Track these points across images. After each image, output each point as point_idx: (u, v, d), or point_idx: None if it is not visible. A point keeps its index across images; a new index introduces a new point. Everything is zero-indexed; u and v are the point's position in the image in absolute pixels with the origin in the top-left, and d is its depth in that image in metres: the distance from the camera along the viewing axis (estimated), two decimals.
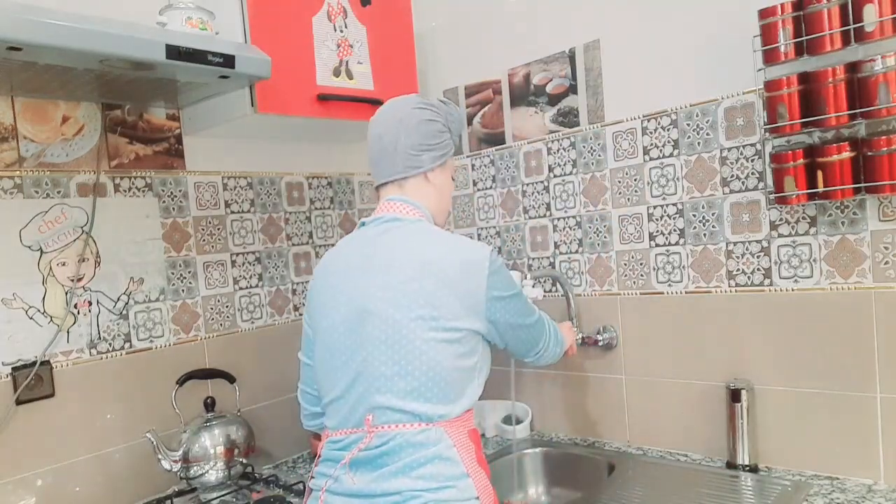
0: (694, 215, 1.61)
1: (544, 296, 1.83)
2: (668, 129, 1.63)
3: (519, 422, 1.93)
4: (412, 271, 1.13)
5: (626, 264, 1.74)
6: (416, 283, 1.12)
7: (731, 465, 1.54)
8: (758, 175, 1.50)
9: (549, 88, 1.86)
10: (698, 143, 1.59)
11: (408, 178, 1.23)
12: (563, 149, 1.83)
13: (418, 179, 1.24)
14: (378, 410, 1.11)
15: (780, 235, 1.49)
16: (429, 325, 1.10)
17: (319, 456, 1.21)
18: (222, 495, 1.62)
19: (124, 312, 1.63)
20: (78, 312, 1.55)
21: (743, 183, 1.53)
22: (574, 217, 1.83)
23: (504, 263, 1.20)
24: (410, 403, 1.10)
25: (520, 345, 1.27)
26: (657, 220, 1.67)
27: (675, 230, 1.64)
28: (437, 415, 1.11)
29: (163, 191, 1.71)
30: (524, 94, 1.91)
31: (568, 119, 1.82)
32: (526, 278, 1.71)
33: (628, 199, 1.72)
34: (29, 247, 1.48)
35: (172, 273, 1.72)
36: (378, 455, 1.10)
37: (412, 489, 1.06)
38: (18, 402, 1.44)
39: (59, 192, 1.52)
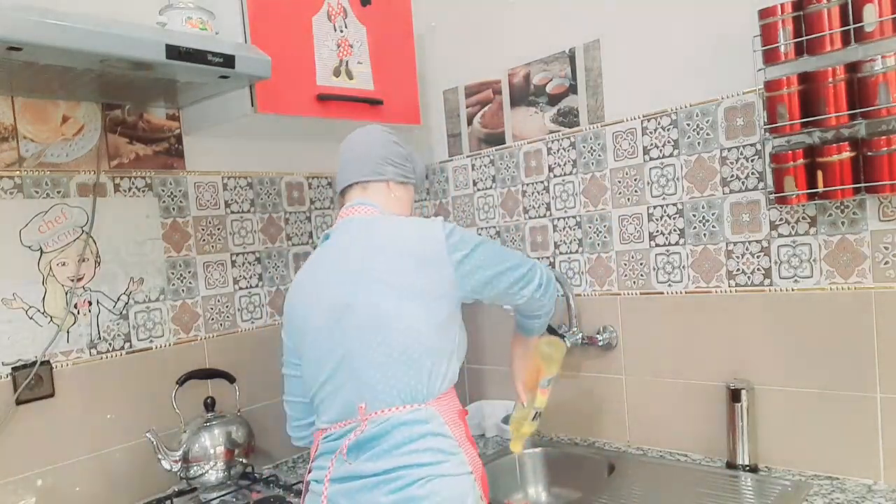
0: (694, 215, 1.61)
1: None
2: (668, 129, 1.63)
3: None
4: (377, 259, 1.18)
5: (626, 264, 1.74)
6: (382, 270, 1.17)
7: (731, 465, 1.54)
8: (758, 175, 1.50)
9: (549, 88, 1.86)
10: (698, 143, 1.59)
11: (371, 182, 1.31)
12: (563, 149, 1.83)
13: (380, 186, 1.31)
14: (370, 399, 1.14)
15: (780, 235, 1.49)
16: (402, 305, 1.14)
17: (315, 452, 1.23)
18: (222, 495, 1.62)
19: (124, 312, 1.63)
20: (78, 312, 1.55)
21: (743, 183, 1.53)
22: (574, 217, 1.83)
23: (460, 227, 1.22)
24: (400, 386, 1.13)
25: (512, 288, 1.25)
26: (657, 220, 1.67)
27: (675, 230, 1.64)
28: (425, 393, 1.14)
29: (163, 191, 1.71)
30: (524, 94, 1.91)
31: (568, 119, 1.82)
32: None
33: (628, 199, 1.72)
34: (29, 247, 1.48)
35: (172, 273, 1.72)
36: (373, 437, 1.13)
37: (409, 464, 1.09)
38: (18, 402, 1.44)
39: (59, 192, 1.52)
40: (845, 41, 1.28)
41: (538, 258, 1.91)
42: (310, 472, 1.23)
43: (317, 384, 1.22)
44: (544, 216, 1.89)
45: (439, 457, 1.11)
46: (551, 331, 1.76)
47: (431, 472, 1.09)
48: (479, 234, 1.27)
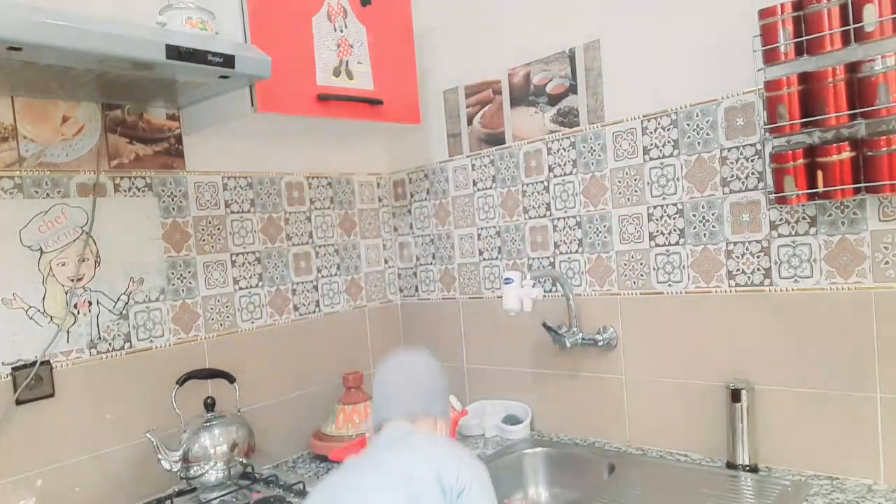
0: (694, 215, 1.61)
1: (544, 296, 1.83)
2: (668, 129, 1.63)
3: (519, 422, 1.93)
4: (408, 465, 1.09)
5: (626, 264, 1.74)
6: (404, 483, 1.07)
7: (731, 465, 1.54)
8: (758, 175, 1.50)
9: (549, 88, 1.86)
10: (698, 143, 1.59)
11: (418, 419, 1.20)
12: (563, 149, 1.83)
13: (429, 422, 1.21)
14: None
15: (780, 235, 1.49)
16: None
17: None
18: (222, 495, 1.62)
19: (124, 312, 1.63)
20: (78, 312, 1.55)
21: (743, 183, 1.53)
22: (574, 217, 1.83)
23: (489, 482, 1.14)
24: None
25: None
26: (657, 220, 1.67)
27: (675, 230, 1.64)
28: None
29: (163, 191, 1.71)
30: (524, 94, 1.91)
31: (568, 119, 1.82)
32: (526, 278, 1.71)
33: (628, 199, 1.72)
34: (29, 247, 1.48)
35: (172, 273, 1.72)
36: None
37: None
38: (18, 402, 1.44)
39: (59, 192, 1.52)
40: (845, 41, 1.28)
41: (538, 258, 1.92)
42: None
43: None
44: (544, 216, 1.89)
45: None
46: (551, 331, 1.76)
47: None
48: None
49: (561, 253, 1.87)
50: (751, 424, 1.52)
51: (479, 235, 2.04)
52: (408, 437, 1.17)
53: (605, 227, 1.77)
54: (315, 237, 2.07)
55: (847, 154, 1.30)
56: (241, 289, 1.87)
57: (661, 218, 1.66)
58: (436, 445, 1.15)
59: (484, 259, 2.05)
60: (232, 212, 1.86)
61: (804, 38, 1.32)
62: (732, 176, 1.54)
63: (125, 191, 1.64)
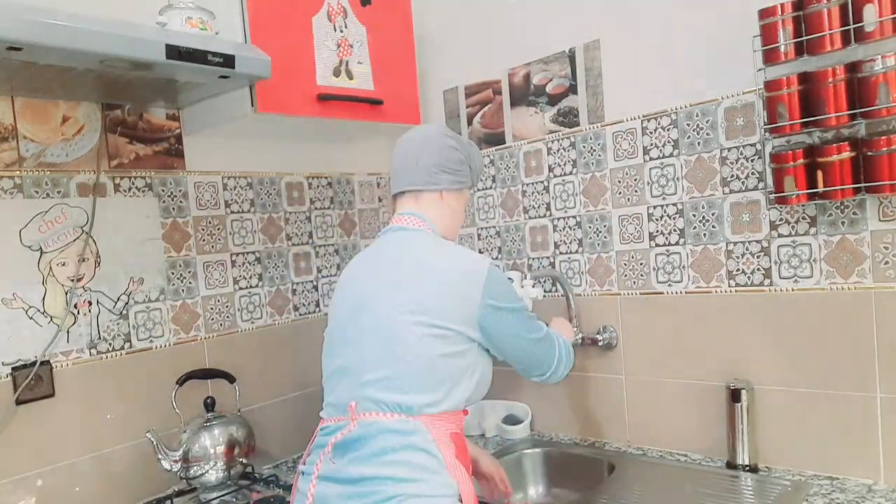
0: (694, 215, 1.61)
1: (544, 296, 1.83)
2: (668, 129, 1.63)
3: (519, 422, 1.93)
4: (410, 271, 1.20)
5: (626, 264, 1.74)
6: (410, 282, 1.18)
7: (731, 465, 1.54)
8: (758, 175, 1.50)
9: (549, 88, 1.86)
10: (698, 143, 1.59)
11: (423, 191, 1.29)
12: (563, 149, 1.83)
13: (433, 196, 1.30)
14: (362, 399, 1.15)
15: (780, 235, 1.49)
16: (417, 319, 1.14)
17: (312, 441, 1.24)
18: (222, 495, 1.62)
19: (124, 312, 1.63)
20: (78, 312, 1.55)
21: (743, 183, 1.53)
22: (574, 217, 1.83)
23: (507, 279, 1.24)
24: (392, 394, 1.13)
25: (523, 360, 1.27)
26: (657, 220, 1.67)
27: (675, 230, 1.64)
28: (418, 406, 1.13)
29: (163, 191, 1.71)
30: (524, 94, 1.91)
31: (568, 119, 1.82)
32: (526, 278, 1.71)
33: (628, 199, 1.72)
34: (29, 247, 1.48)
35: (172, 273, 1.72)
36: (357, 438, 1.13)
37: (385, 476, 1.08)
38: (18, 402, 1.44)
39: (59, 192, 1.52)
40: (845, 41, 1.28)
41: (538, 258, 1.91)
42: (303, 462, 1.24)
43: (326, 373, 1.26)
44: (544, 216, 1.89)
45: (417, 473, 1.09)
46: None
47: (405, 491, 1.07)
48: (520, 303, 1.24)
49: (561, 253, 1.87)
50: (751, 424, 1.52)
51: (479, 235, 2.04)
52: (407, 250, 1.24)
53: (605, 227, 1.77)
54: (315, 237, 2.07)
55: (847, 154, 1.30)
56: (241, 289, 1.87)
57: (661, 218, 1.66)
58: (424, 282, 1.18)
59: None
60: (232, 212, 1.86)
61: (804, 38, 1.32)
62: (732, 176, 1.54)
63: (125, 191, 1.64)
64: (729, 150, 1.54)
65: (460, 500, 1.12)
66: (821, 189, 1.33)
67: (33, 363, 1.46)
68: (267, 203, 1.94)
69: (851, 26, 1.26)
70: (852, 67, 1.28)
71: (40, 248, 1.49)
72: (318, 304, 2.06)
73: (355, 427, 1.14)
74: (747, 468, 1.52)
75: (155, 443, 1.51)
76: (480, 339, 1.19)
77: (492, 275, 1.18)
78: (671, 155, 1.63)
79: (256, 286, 1.91)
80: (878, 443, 1.39)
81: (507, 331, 1.21)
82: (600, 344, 1.77)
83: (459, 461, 1.15)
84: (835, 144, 1.31)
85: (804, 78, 1.33)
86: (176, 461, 1.54)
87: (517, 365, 1.29)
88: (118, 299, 1.62)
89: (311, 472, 1.17)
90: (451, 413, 1.17)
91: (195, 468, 1.57)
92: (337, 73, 1.71)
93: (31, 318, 1.47)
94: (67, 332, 1.53)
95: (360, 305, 1.21)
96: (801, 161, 1.35)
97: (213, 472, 1.59)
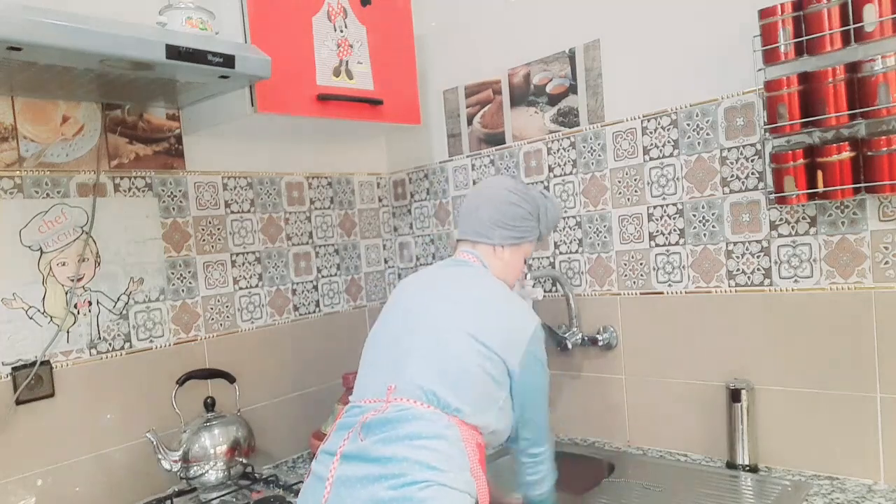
0: (694, 215, 1.61)
1: (544, 296, 1.83)
2: (668, 129, 1.63)
3: None
4: (468, 293, 1.28)
5: (626, 264, 1.74)
6: (468, 302, 1.26)
7: (731, 465, 1.54)
8: (758, 175, 1.50)
9: (549, 88, 1.86)
10: (698, 143, 1.59)
11: (478, 243, 1.37)
12: (563, 149, 1.83)
13: (487, 248, 1.37)
14: (402, 384, 1.17)
15: (780, 235, 1.49)
16: (470, 332, 1.20)
17: (336, 423, 1.23)
18: (222, 495, 1.62)
19: (124, 312, 1.63)
20: (78, 312, 1.55)
21: (743, 183, 1.53)
22: (574, 217, 1.83)
23: (543, 341, 1.29)
24: (432, 386, 1.15)
25: (535, 419, 1.29)
26: (657, 220, 1.67)
27: (675, 230, 1.64)
28: (454, 407, 1.15)
29: (163, 191, 1.71)
30: (524, 94, 1.91)
31: (568, 119, 1.82)
32: (526, 278, 1.71)
33: (628, 199, 1.72)
34: (29, 247, 1.48)
35: (172, 273, 1.72)
36: (390, 420, 1.13)
37: (414, 459, 1.08)
38: (18, 402, 1.44)
39: (59, 192, 1.52)
40: (845, 41, 1.28)
41: (538, 258, 1.91)
42: (324, 441, 1.22)
43: (365, 364, 1.28)
44: None
45: (445, 464, 1.09)
46: (550, 331, 1.76)
47: (434, 478, 1.06)
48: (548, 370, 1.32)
49: (561, 253, 1.87)
50: (751, 424, 1.52)
51: None
52: (468, 282, 1.32)
53: (605, 227, 1.77)
54: (315, 237, 2.07)
55: (847, 154, 1.30)
56: (241, 289, 1.87)
57: (661, 218, 1.66)
58: (477, 306, 1.26)
59: None
60: (232, 212, 1.86)
61: (804, 38, 1.32)
62: (732, 176, 1.54)
63: (125, 191, 1.64)
64: (729, 150, 1.54)
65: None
66: (821, 189, 1.33)
67: (33, 363, 1.46)
68: (267, 203, 1.94)
69: (851, 26, 1.26)
70: (852, 67, 1.28)
71: (40, 248, 1.49)
72: (318, 304, 2.06)
73: (389, 409, 1.14)
74: (747, 468, 1.52)
75: (155, 443, 1.51)
76: (515, 377, 1.23)
77: (539, 331, 1.26)
78: (671, 155, 1.63)
79: (256, 286, 1.91)
80: (878, 443, 1.39)
81: (536, 384, 1.27)
82: (600, 344, 1.76)
83: (483, 470, 1.17)
84: (835, 144, 1.31)
85: (804, 78, 1.33)
86: (176, 461, 1.54)
87: (528, 425, 1.29)
88: (118, 299, 1.62)
89: (335, 452, 1.15)
90: (477, 429, 1.19)
91: (195, 468, 1.57)
92: (337, 73, 1.71)
93: (31, 318, 1.47)
94: (67, 332, 1.53)
95: (414, 309, 1.28)
96: (801, 161, 1.35)
97: (213, 472, 1.59)
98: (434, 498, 1.05)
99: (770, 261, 1.51)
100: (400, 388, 1.17)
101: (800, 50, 1.33)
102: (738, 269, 1.55)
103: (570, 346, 1.76)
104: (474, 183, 2.04)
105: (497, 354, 1.20)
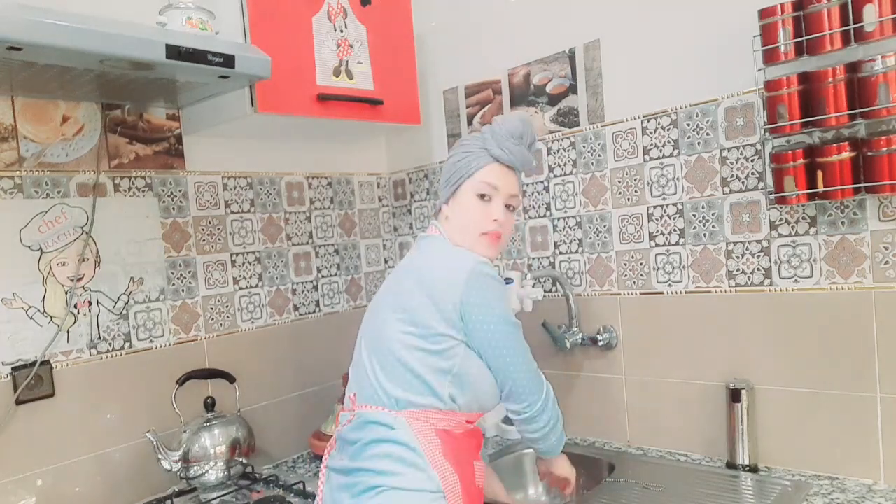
0: (694, 215, 1.61)
1: (544, 296, 1.83)
2: (668, 129, 1.63)
3: None
4: (405, 274, 1.28)
5: (626, 264, 1.74)
6: (399, 286, 1.27)
7: (731, 465, 1.54)
8: (758, 175, 1.50)
9: (549, 88, 1.86)
10: (698, 143, 1.59)
11: (437, 214, 1.38)
12: (563, 149, 1.83)
13: (441, 215, 1.36)
14: (360, 391, 1.24)
15: (780, 235, 1.49)
16: (398, 317, 1.21)
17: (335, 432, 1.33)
18: (222, 495, 1.62)
19: (124, 312, 1.63)
20: (78, 312, 1.55)
21: (743, 183, 1.53)
22: (574, 217, 1.83)
23: (493, 279, 1.21)
24: (381, 387, 1.20)
25: (499, 376, 1.22)
26: (657, 220, 1.67)
27: (675, 230, 1.64)
28: (401, 399, 1.18)
29: (163, 191, 1.71)
30: (524, 94, 1.91)
31: (568, 119, 1.82)
32: (526, 278, 1.71)
33: (628, 199, 1.72)
34: (29, 247, 1.47)
35: (172, 273, 1.72)
36: (353, 429, 1.22)
37: (367, 469, 1.15)
38: (18, 402, 1.44)
39: (59, 192, 1.52)
40: (845, 41, 1.28)
41: (538, 258, 1.91)
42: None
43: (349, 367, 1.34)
44: (544, 216, 1.89)
45: (397, 467, 1.14)
46: (550, 332, 1.76)
47: (384, 483, 1.13)
48: (508, 314, 1.22)
49: (561, 253, 1.87)
50: (751, 424, 1.52)
51: None
52: (412, 257, 1.32)
53: (605, 227, 1.77)
54: (315, 237, 2.07)
55: (847, 154, 1.30)
56: (241, 289, 1.87)
57: (661, 218, 1.66)
58: (429, 272, 1.24)
59: None
60: (232, 212, 1.86)
61: (804, 38, 1.32)
62: (732, 176, 1.54)
63: (125, 191, 1.64)
64: (729, 150, 1.54)
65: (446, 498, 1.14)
66: (821, 189, 1.33)
67: (33, 363, 1.46)
68: (267, 203, 1.94)
69: (851, 26, 1.26)
70: (852, 67, 1.28)
71: (40, 248, 1.49)
72: (317, 304, 2.06)
73: (354, 419, 1.22)
74: (747, 468, 1.52)
75: (155, 443, 1.51)
76: (467, 339, 1.20)
77: (474, 273, 1.18)
78: (671, 155, 1.63)
79: (256, 286, 1.91)
80: (878, 443, 1.39)
81: (487, 337, 1.19)
82: (600, 344, 1.76)
83: (448, 459, 1.16)
84: (835, 144, 1.31)
85: (804, 78, 1.33)
86: (176, 461, 1.54)
87: (505, 382, 1.22)
88: (118, 299, 1.62)
89: (323, 463, 1.29)
90: (440, 411, 1.18)
91: (195, 468, 1.57)
92: (337, 73, 1.71)
93: (31, 318, 1.47)
94: (67, 332, 1.53)
95: (371, 308, 1.32)
96: (801, 161, 1.35)
97: (213, 472, 1.59)
98: (385, 502, 1.12)
99: (770, 261, 1.51)
100: (360, 394, 1.24)
101: (800, 50, 1.33)
102: (738, 269, 1.55)
103: (569, 346, 1.76)
104: None
105: (433, 328, 1.16)
